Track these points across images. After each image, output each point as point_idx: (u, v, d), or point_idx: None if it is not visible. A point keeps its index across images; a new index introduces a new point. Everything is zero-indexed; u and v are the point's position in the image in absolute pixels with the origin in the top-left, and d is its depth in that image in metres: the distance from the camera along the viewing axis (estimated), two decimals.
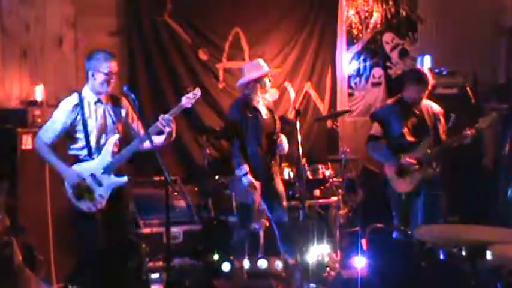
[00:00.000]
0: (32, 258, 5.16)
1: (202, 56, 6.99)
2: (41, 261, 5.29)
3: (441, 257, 4.34)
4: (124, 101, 4.92)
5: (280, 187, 5.58)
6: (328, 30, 7.56)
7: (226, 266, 5.77)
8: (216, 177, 6.52)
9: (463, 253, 3.92)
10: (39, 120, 5.60)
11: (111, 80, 4.70)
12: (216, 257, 5.88)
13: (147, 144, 4.71)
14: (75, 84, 6.36)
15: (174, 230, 5.84)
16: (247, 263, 5.70)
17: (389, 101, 5.87)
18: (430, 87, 5.61)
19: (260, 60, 5.67)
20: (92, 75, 4.69)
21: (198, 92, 4.82)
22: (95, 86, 4.70)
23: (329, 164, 6.44)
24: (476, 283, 3.97)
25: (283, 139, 5.57)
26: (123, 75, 6.30)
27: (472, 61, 7.61)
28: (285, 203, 5.58)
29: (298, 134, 5.09)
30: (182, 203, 6.11)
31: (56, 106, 5.83)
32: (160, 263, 5.64)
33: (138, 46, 6.63)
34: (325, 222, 6.28)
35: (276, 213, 5.55)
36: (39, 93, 5.98)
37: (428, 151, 5.58)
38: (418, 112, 5.66)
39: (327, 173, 6.26)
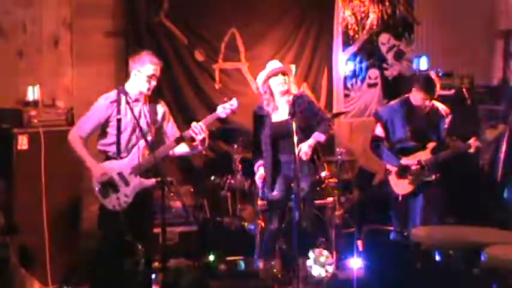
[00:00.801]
0: (27, 259, 5.16)
1: (199, 56, 6.98)
2: (36, 262, 5.28)
3: (437, 258, 4.35)
4: (162, 104, 4.97)
5: (305, 190, 5.43)
6: (325, 31, 7.54)
7: (222, 267, 5.77)
8: (212, 178, 6.53)
9: (459, 254, 3.93)
10: (35, 121, 5.57)
11: (152, 83, 4.77)
12: (211, 257, 5.88)
13: (179, 150, 4.86)
14: (71, 85, 6.38)
15: (170, 230, 5.83)
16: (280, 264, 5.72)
17: (394, 102, 5.88)
18: (435, 95, 5.65)
19: (275, 61, 5.61)
20: (135, 75, 4.77)
21: (234, 102, 4.84)
22: (135, 86, 4.77)
23: (325, 165, 6.43)
24: (472, 285, 3.98)
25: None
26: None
27: (468, 63, 7.62)
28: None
29: (295, 134, 5.05)
30: (178, 204, 6.10)
31: (52, 106, 5.85)
32: (156, 264, 5.62)
33: (134, 47, 6.60)
34: (321, 223, 6.27)
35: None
36: (35, 93, 5.95)
37: (430, 156, 5.60)
38: (422, 115, 5.67)
39: (323, 174, 6.25)
